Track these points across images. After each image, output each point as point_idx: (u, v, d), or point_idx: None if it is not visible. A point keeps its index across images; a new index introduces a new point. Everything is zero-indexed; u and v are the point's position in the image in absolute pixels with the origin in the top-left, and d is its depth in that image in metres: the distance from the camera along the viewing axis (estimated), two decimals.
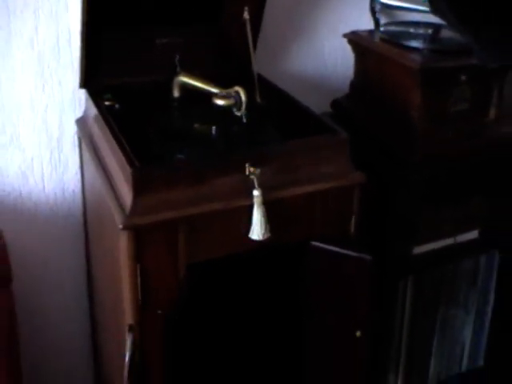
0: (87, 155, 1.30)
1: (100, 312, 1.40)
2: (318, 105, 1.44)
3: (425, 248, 1.48)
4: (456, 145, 1.42)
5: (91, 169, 1.28)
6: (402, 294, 1.50)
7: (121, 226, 1.00)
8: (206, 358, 1.14)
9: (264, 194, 1.06)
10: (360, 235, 1.17)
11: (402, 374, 1.58)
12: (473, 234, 1.55)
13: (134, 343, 1.05)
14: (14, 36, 1.35)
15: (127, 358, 1.05)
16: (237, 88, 1.26)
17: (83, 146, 1.36)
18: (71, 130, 1.44)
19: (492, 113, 1.46)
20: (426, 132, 1.38)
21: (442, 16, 1.27)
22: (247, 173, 1.08)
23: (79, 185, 1.47)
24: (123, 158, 1.05)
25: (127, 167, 1.03)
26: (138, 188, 1.01)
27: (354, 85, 1.57)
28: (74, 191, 1.47)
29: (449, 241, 1.50)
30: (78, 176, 1.46)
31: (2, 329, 1.29)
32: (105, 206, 1.15)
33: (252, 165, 1.07)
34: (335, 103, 1.59)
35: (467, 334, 1.64)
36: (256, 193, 1.07)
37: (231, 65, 1.45)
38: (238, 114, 1.26)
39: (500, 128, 1.48)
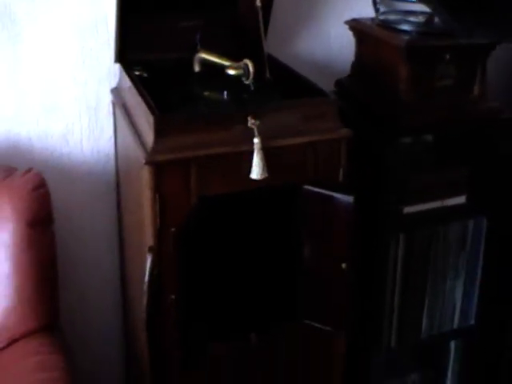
0: (120, 118, 1.58)
1: (127, 246, 1.67)
2: (324, 85, 1.68)
3: (414, 208, 1.72)
4: (441, 116, 1.66)
5: (123, 128, 1.56)
6: (394, 251, 1.74)
7: (144, 161, 1.27)
8: (213, 275, 1.39)
9: (263, 142, 1.32)
10: (347, 184, 1.42)
11: (396, 330, 1.81)
12: (460, 199, 1.79)
13: (153, 261, 1.31)
14: (60, 19, 1.65)
15: (147, 274, 1.31)
16: (246, 60, 1.53)
17: (117, 111, 1.65)
18: (107, 100, 1.73)
19: (476, 89, 1.69)
20: (413, 103, 1.63)
21: (425, 3, 1.56)
22: (249, 124, 1.33)
23: (113, 148, 1.75)
24: (148, 110, 1.33)
25: (151, 116, 1.30)
26: (159, 131, 1.28)
27: (354, 66, 1.83)
28: (108, 153, 1.76)
29: (437, 203, 1.75)
30: (112, 140, 1.75)
31: (46, 261, 1.57)
32: (133, 157, 1.43)
33: (253, 117, 1.34)
34: (338, 83, 1.84)
35: (458, 295, 1.87)
36: (256, 140, 1.33)
37: (245, 46, 1.71)
38: (247, 82, 1.52)
39: (484, 103, 1.71)
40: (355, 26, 1.79)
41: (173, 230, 1.27)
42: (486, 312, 1.88)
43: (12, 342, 1.55)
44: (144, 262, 1.33)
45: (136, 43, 1.63)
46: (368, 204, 1.63)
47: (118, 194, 1.74)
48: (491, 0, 1.40)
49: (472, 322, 1.89)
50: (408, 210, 1.71)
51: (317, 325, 1.46)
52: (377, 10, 1.82)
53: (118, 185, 1.76)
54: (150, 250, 1.32)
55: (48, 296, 1.58)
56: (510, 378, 2.06)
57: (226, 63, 1.58)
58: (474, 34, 1.49)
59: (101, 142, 1.76)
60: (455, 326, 1.88)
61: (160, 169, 1.28)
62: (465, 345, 1.91)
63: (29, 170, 1.59)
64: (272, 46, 1.72)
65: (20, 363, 1.51)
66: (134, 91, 1.46)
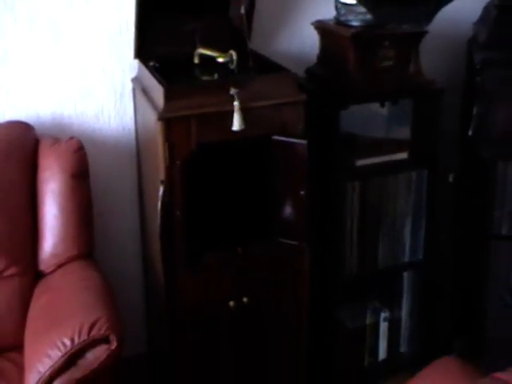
0: (140, 97, 2.24)
1: (146, 189, 2.33)
2: (298, 72, 2.33)
3: (365, 162, 2.36)
4: (384, 89, 2.31)
5: (142, 104, 2.22)
6: (351, 197, 2.36)
7: (157, 118, 1.92)
8: (208, 201, 2.04)
9: (241, 104, 1.97)
10: (303, 134, 2.05)
11: (356, 260, 2.43)
12: (403, 155, 2.42)
13: (164, 189, 1.96)
14: (92, 24, 2.33)
15: (160, 197, 1.96)
16: (231, 51, 2.19)
17: (137, 93, 2.32)
18: (129, 87, 2.40)
19: (411, 67, 2.34)
20: (361, 79, 2.28)
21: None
22: (231, 92, 1.98)
23: (133, 124, 2.43)
24: (159, 84, 1.98)
25: (161, 87, 1.96)
26: (167, 97, 1.93)
27: (319, 56, 2.49)
28: (130, 129, 2.43)
29: (385, 158, 2.38)
30: (133, 118, 2.42)
31: (84, 204, 2.21)
32: (149, 121, 2.09)
33: (234, 87, 1.98)
34: (308, 70, 2.50)
35: (407, 233, 2.49)
36: (235, 103, 1.98)
37: (233, 42, 2.37)
38: (232, 67, 2.18)
39: (418, 78, 2.36)
40: (319, 25, 2.45)
41: (178, 163, 1.93)
42: (431, 248, 2.51)
43: (59, 266, 2.21)
44: (158, 191, 1.98)
45: (150, 42, 2.30)
46: (328, 158, 2.28)
47: (138, 158, 2.41)
48: None
49: (420, 256, 2.51)
50: (360, 162, 2.36)
51: (286, 241, 2.10)
52: (338, 13, 2.48)
53: (137, 153, 2.42)
54: (162, 182, 1.97)
55: (86, 231, 2.23)
56: (452, 300, 2.68)
57: (217, 54, 2.24)
58: (386, 21, 2.16)
59: (124, 120, 2.43)
60: (406, 259, 2.51)
61: (168, 123, 1.94)
62: (415, 275, 2.53)
63: (71, 138, 2.26)
64: (257, 43, 2.39)
65: (67, 278, 2.16)
66: (150, 75, 2.12)
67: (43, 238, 2.19)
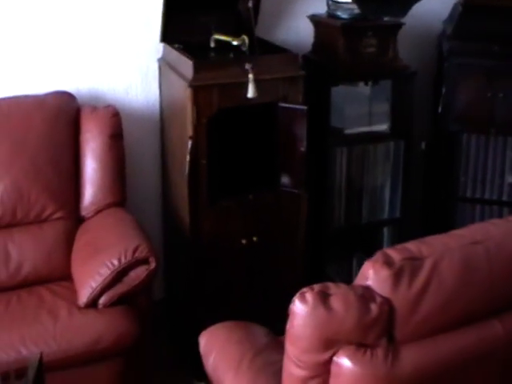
0: (167, 72, 2.94)
1: (170, 147, 3.03)
2: None
3: (351, 131, 3.08)
4: (368, 71, 3.03)
5: (169, 78, 2.92)
6: (340, 159, 3.07)
7: (187, 85, 2.62)
8: (227, 155, 2.74)
9: (254, 76, 2.66)
10: (304, 102, 2.76)
11: (343, 214, 3.14)
12: (383, 127, 3.15)
13: (192, 143, 2.65)
14: (124, 13, 3.03)
15: (189, 149, 2.64)
16: (243, 36, 2.89)
17: (163, 70, 3.01)
18: (153, 67, 3.10)
19: (390, 53, 3.07)
20: (348, 63, 3.00)
21: None
22: (246, 67, 2.68)
23: (158, 98, 3.13)
24: (188, 59, 2.68)
25: (190, 61, 2.65)
26: (195, 68, 2.63)
27: (313, 44, 3.21)
28: (154, 102, 3.14)
29: (368, 128, 3.10)
30: (157, 92, 3.13)
31: (119, 161, 2.89)
32: (177, 90, 2.78)
33: (248, 62, 2.68)
34: (304, 56, 3.21)
35: (386, 193, 3.19)
36: (250, 76, 2.68)
37: (242, 31, 3.06)
38: (244, 49, 2.88)
39: (396, 62, 3.08)
40: (313, 18, 3.18)
41: (204, 121, 2.62)
42: (407, 208, 3.22)
43: (97, 212, 2.88)
44: (186, 146, 2.67)
45: (173, 30, 3.00)
46: (321, 127, 2.99)
47: (161, 125, 3.12)
48: None
49: (398, 214, 3.23)
50: (348, 131, 3.08)
51: (288, 189, 2.81)
52: (329, 7, 3.20)
53: (161, 120, 3.13)
54: (190, 137, 2.66)
55: (120, 182, 2.92)
56: None
57: (231, 39, 2.94)
58: (370, 15, 2.90)
59: (149, 95, 3.14)
60: (386, 216, 3.22)
61: (196, 90, 2.63)
62: (394, 230, 3.24)
63: (108, 106, 2.94)
64: (260, 34, 3.09)
65: (106, 220, 2.83)
66: (178, 53, 2.82)
67: (84, 188, 2.88)
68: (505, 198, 3.22)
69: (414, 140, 3.18)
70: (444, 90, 3.15)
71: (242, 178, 2.81)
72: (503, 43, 3.12)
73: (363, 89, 3.12)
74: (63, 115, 2.87)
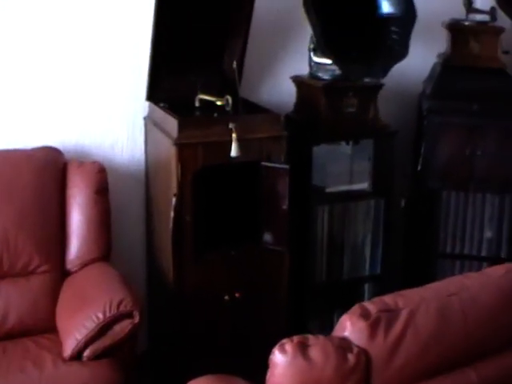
0: (152, 130, 3.09)
1: (155, 202, 3.16)
2: None
3: (333, 189, 3.23)
4: (349, 130, 3.19)
5: (154, 136, 3.07)
6: (321, 217, 3.21)
7: (172, 142, 2.77)
8: (210, 211, 2.87)
9: (238, 135, 2.82)
10: (286, 161, 2.91)
11: (325, 271, 3.26)
12: (364, 185, 3.30)
13: (176, 200, 2.78)
14: (111, 72, 3.19)
15: (173, 205, 2.78)
16: (227, 96, 3.05)
17: (148, 128, 3.17)
18: (139, 124, 3.26)
19: (371, 113, 3.24)
20: (330, 123, 3.16)
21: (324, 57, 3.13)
22: (230, 126, 2.84)
23: (143, 154, 3.28)
24: (173, 117, 2.83)
25: (175, 120, 2.80)
26: (180, 126, 2.78)
27: (295, 104, 3.38)
28: (139, 158, 3.29)
29: (349, 187, 3.26)
30: (142, 149, 3.27)
31: (104, 216, 3.02)
32: (163, 147, 2.93)
33: (232, 122, 2.84)
34: (286, 116, 3.37)
35: (367, 251, 3.33)
36: (234, 135, 2.83)
37: (227, 91, 3.23)
38: (228, 108, 3.04)
39: (377, 122, 3.25)
40: (296, 78, 3.36)
41: (188, 178, 2.76)
42: (387, 265, 3.36)
43: (82, 266, 2.99)
44: (170, 202, 2.80)
45: (159, 89, 3.16)
46: (303, 185, 3.14)
47: (146, 180, 3.26)
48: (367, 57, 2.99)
49: (378, 271, 3.36)
50: (329, 189, 3.23)
51: (271, 246, 2.94)
52: (311, 68, 3.38)
53: (146, 176, 3.27)
54: (175, 194, 2.79)
55: (105, 237, 3.04)
56: None
57: (215, 99, 3.11)
58: (351, 76, 3.08)
59: (135, 151, 3.30)
60: (367, 272, 3.35)
61: (181, 148, 2.78)
62: (374, 287, 3.37)
63: (94, 162, 3.08)
64: (245, 93, 3.26)
65: (91, 273, 2.93)
66: (163, 112, 2.98)
67: (70, 241, 2.99)
68: (484, 253, 3.40)
69: (394, 197, 3.34)
70: (423, 148, 3.33)
71: (226, 234, 2.95)
72: (481, 102, 3.33)
73: (344, 148, 3.29)
74: (50, 169, 3.00)
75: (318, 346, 1.79)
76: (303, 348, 1.78)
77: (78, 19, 3.14)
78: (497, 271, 2.18)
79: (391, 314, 1.88)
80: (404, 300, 1.95)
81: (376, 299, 1.97)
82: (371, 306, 1.90)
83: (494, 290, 2.08)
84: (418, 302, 1.94)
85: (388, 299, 1.96)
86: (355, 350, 1.80)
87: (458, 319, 1.95)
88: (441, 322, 1.92)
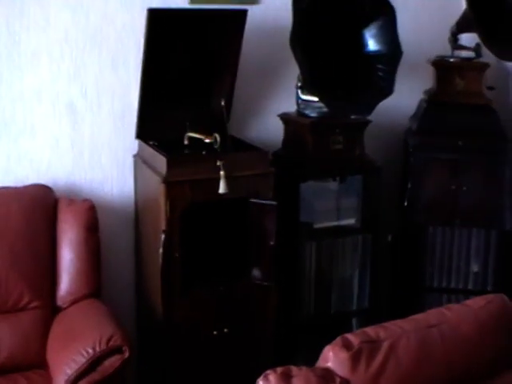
0: (142, 168, 3.21)
1: (145, 239, 3.26)
2: None
3: (321, 225, 3.34)
4: (335, 167, 3.31)
5: (144, 173, 3.18)
6: (309, 253, 3.31)
7: (161, 180, 2.88)
8: (198, 247, 2.98)
9: (225, 173, 2.93)
10: (273, 197, 3.02)
11: (313, 306, 3.36)
12: (351, 221, 3.41)
13: (165, 237, 2.89)
14: (101, 112, 3.32)
15: (162, 242, 2.88)
16: (215, 134, 3.17)
17: (138, 166, 3.28)
18: (129, 162, 3.37)
19: (357, 149, 3.36)
20: (316, 160, 3.28)
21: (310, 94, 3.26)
22: (217, 163, 2.95)
23: (133, 191, 3.39)
24: (161, 155, 2.95)
25: (164, 158, 2.92)
26: (169, 164, 2.89)
27: (283, 142, 3.51)
28: (129, 195, 3.40)
29: (336, 223, 3.37)
30: (132, 187, 3.38)
31: (95, 252, 3.12)
32: (152, 184, 3.04)
33: (219, 160, 2.96)
34: (274, 153, 3.49)
35: (355, 286, 3.43)
36: (221, 172, 2.95)
37: (215, 129, 3.35)
38: (216, 146, 3.16)
39: (363, 158, 3.38)
40: (283, 116, 3.48)
41: (177, 215, 2.87)
42: (375, 299, 3.46)
43: (73, 303, 3.08)
44: (159, 239, 2.91)
45: (148, 127, 3.28)
46: (291, 222, 3.25)
47: (136, 217, 3.37)
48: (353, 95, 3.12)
49: (366, 305, 3.46)
50: (317, 225, 3.34)
51: (259, 282, 3.04)
52: (298, 106, 3.51)
53: (135, 212, 3.38)
54: (164, 231, 2.90)
55: (96, 273, 3.13)
56: None
57: (204, 137, 3.23)
58: (338, 113, 3.21)
59: (124, 188, 3.41)
60: (354, 306, 3.45)
61: (169, 185, 2.89)
62: (362, 321, 3.47)
63: (85, 200, 3.19)
64: (233, 130, 3.38)
65: (82, 309, 3.03)
66: (152, 150, 3.09)
67: (61, 278, 3.08)
68: (470, 286, 3.51)
69: (381, 232, 3.45)
70: (410, 184, 3.45)
71: (215, 270, 3.06)
72: (466, 137, 3.46)
73: (331, 184, 3.41)
74: (41, 206, 3.10)
75: (300, 377, 1.90)
76: (287, 378, 1.88)
77: (69, 57, 3.28)
78: (477, 302, 2.29)
79: (373, 345, 1.98)
80: (385, 332, 2.06)
81: (358, 331, 2.08)
82: (353, 337, 2.00)
83: (473, 321, 2.19)
84: (400, 334, 2.05)
85: (370, 331, 2.06)
86: (337, 380, 1.90)
87: (439, 350, 2.06)
88: (421, 353, 2.03)
